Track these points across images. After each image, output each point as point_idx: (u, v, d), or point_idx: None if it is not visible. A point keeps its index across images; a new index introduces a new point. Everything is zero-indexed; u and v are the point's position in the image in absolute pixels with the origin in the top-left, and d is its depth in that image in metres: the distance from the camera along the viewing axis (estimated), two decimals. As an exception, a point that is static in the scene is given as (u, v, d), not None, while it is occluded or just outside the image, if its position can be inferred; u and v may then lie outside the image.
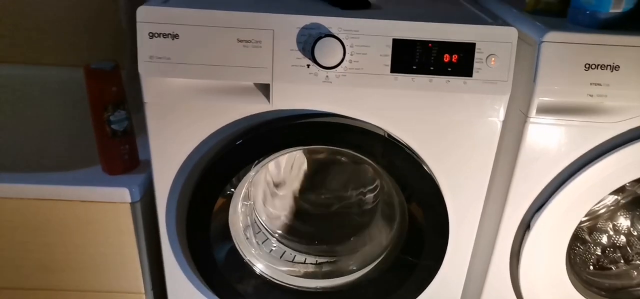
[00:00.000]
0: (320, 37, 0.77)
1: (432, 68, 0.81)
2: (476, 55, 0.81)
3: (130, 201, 0.95)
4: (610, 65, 0.81)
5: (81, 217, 0.96)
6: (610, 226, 1.13)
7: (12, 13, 1.38)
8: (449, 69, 0.81)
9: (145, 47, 0.78)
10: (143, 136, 0.97)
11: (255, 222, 1.08)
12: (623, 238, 1.13)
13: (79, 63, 1.37)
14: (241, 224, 1.02)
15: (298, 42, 0.79)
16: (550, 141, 0.88)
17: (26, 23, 1.39)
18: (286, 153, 0.95)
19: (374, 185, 1.11)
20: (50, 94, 1.40)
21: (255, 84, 0.83)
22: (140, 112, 1.00)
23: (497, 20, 0.85)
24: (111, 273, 1.03)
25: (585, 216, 0.98)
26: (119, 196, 0.94)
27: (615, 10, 0.82)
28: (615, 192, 1.07)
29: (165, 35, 0.77)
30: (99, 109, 0.91)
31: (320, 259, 1.09)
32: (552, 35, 0.80)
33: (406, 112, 0.85)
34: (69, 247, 1.00)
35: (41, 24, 1.40)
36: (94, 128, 0.93)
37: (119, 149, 0.95)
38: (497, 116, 0.85)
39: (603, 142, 0.88)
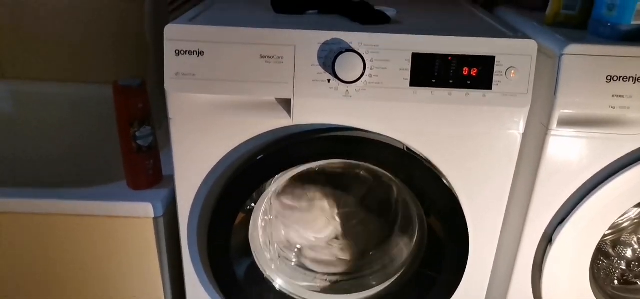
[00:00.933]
0: (341, 52, 0.78)
1: (451, 81, 0.81)
2: (496, 68, 0.81)
3: (153, 216, 0.96)
4: (632, 77, 0.81)
5: (105, 232, 0.98)
6: (635, 239, 1.11)
7: (37, 31, 1.43)
8: (469, 82, 0.82)
9: (171, 64, 0.80)
10: (164, 152, 1.00)
11: (275, 238, 1.09)
12: (648, 252, 1.11)
13: (101, 80, 1.41)
14: (261, 240, 1.03)
15: (319, 58, 0.80)
16: (571, 153, 0.87)
17: (51, 41, 1.43)
18: (306, 168, 0.96)
19: (393, 199, 1.10)
20: (76, 111, 1.44)
21: (277, 99, 0.84)
22: (161, 129, 1.03)
23: (516, 33, 0.85)
24: (133, 286, 1.04)
25: (609, 229, 0.97)
26: (143, 211, 0.96)
27: (637, 22, 0.81)
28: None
29: (191, 53, 0.79)
30: (126, 125, 0.93)
31: (339, 276, 1.08)
32: (572, 48, 0.80)
33: (425, 125, 0.85)
34: (92, 261, 1.01)
35: (67, 42, 1.44)
36: (120, 143, 0.95)
37: (144, 165, 0.97)
38: (517, 128, 0.85)
39: (626, 155, 0.87)
